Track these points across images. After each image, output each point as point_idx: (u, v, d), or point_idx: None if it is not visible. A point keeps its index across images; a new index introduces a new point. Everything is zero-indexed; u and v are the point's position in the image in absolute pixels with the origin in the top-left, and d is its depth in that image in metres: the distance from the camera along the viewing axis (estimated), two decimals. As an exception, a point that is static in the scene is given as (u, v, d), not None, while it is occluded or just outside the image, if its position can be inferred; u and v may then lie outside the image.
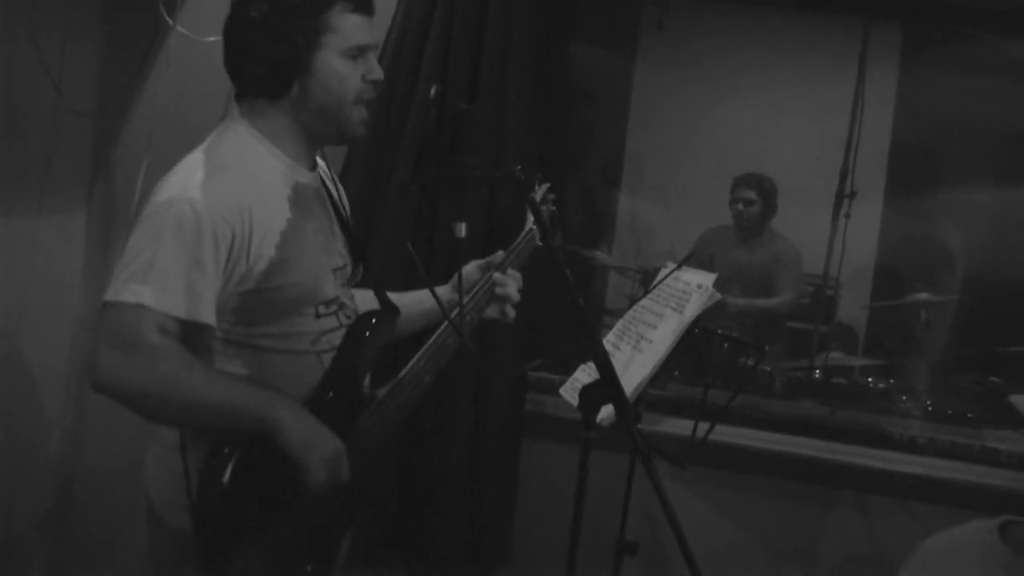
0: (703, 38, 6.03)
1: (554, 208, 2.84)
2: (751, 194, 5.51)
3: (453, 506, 3.43)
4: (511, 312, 2.65)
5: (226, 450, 2.13)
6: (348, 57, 2.26)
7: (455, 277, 2.57)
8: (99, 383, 2.05)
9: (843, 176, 5.03)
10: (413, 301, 2.62)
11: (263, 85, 2.26)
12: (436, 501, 3.43)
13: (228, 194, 2.14)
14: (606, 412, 2.21)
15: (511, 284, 2.63)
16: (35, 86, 3.37)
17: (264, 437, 2.10)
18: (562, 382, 2.94)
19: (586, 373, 2.80)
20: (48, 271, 3.54)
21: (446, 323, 2.46)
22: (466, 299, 2.54)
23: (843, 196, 5.00)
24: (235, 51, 2.26)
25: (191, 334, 2.13)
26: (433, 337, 2.47)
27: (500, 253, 2.67)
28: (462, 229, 2.28)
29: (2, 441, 3.42)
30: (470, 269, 2.65)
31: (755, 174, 5.55)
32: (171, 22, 3.36)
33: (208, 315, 2.12)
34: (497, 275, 2.61)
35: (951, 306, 5.52)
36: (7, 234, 3.34)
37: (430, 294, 2.64)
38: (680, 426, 3.39)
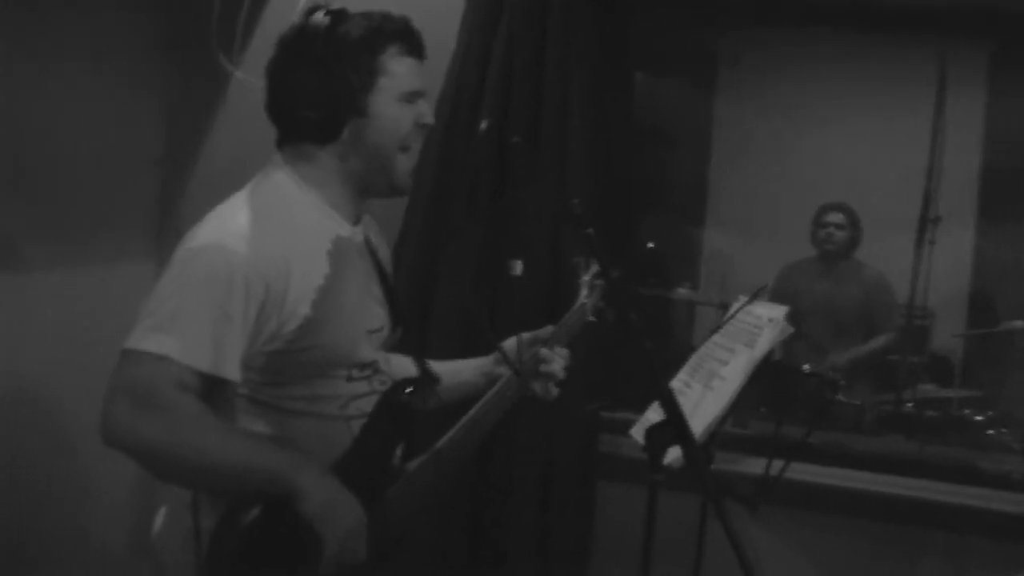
0: (781, 68, 5.96)
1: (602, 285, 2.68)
2: (840, 217, 5.41)
3: (527, 549, 3.35)
4: (553, 391, 2.52)
5: (240, 511, 2.02)
6: (403, 101, 2.19)
7: (496, 352, 2.49)
8: (110, 435, 1.95)
9: (926, 201, 4.91)
10: (450, 371, 2.49)
11: (314, 128, 2.17)
12: (509, 544, 3.35)
13: (265, 246, 2.05)
14: (675, 453, 2.12)
15: (557, 362, 2.50)
16: (101, 134, 3.39)
17: (282, 500, 1.99)
18: (634, 422, 2.86)
19: (657, 412, 2.71)
20: (116, 321, 3.52)
21: (485, 396, 2.37)
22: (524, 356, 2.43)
23: (927, 222, 4.87)
24: (285, 93, 2.17)
25: (213, 390, 2.03)
26: (473, 409, 2.35)
27: (549, 328, 2.53)
28: (518, 267, 2.22)
29: (71, 491, 3.42)
30: (511, 343, 2.51)
31: (843, 203, 5.46)
32: (231, 69, 3.36)
33: (232, 371, 2.02)
34: (543, 351, 2.48)
35: (1050, 333, 5.33)
36: (77, 283, 3.35)
37: (466, 366, 2.56)
38: (759, 465, 3.28)
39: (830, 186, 5.82)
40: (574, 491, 3.37)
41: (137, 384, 1.95)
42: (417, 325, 3.17)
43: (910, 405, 4.73)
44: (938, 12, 3.64)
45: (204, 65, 3.49)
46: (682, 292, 5.71)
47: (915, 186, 5.44)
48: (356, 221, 2.28)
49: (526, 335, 2.50)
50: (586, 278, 2.64)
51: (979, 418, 4.74)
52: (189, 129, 3.64)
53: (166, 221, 3.68)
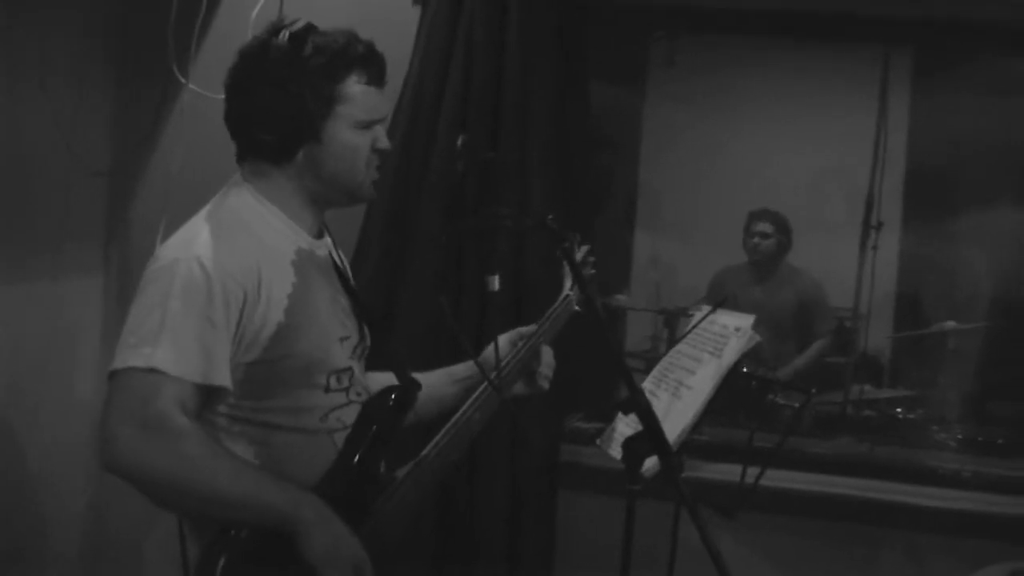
0: (714, 72, 5.97)
1: (594, 271, 2.76)
2: (767, 227, 5.45)
3: (492, 558, 3.34)
4: (544, 384, 2.56)
5: (226, 539, 2.01)
6: (359, 128, 2.19)
7: (470, 358, 2.49)
8: (116, 463, 1.93)
9: (868, 207, 4.98)
10: (430, 384, 2.47)
11: (268, 150, 2.17)
12: (474, 554, 3.34)
13: (237, 253, 2.05)
14: (649, 463, 2.14)
15: (548, 371, 2.56)
16: (47, 147, 3.33)
17: (278, 535, 1.98)
18: (597, 431, 2.86)
19: (624, 423, 2.72)
20: (65, 335, 3.49)
21: (471, 398, 2.38)
22: (503, 361, 2.43)
23: (869, 227, 4.94)
24: (242, 112, 2.18)
25: (204, 404, 2.03)
26: (458, 414, 2.36)
27: (532, 326, 2.57)
28: (495, 282, 2.22)
29: (26, 511, 3.36)
30: (499, 342, 2.51)
31: (770, 209, 5.51)
32: (183, 80, 3.31)
33: (224, 377, 2.02)
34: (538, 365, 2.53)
35: (979, 333, 5.44)
36: (23, 298, 3.29)
37: (440, 377, 2.56)
38: (720, 471, 3.31)
39: (763, 188, 5.87)
40: (537, 500, 3.37)
41: (136, 406, 1.93)
42: (379, 338, 3.17)
43: (842, 405, 4.81)
44: (864, 19, 3.69)
45: (153, 74, 3.44)
46: (621, 299, 5.71)
47: (846, 188, 5.53)
48: (318, 235, 2.29)
49: (511, 332, 2.54)
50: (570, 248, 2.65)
51: (911, 417, 4.83)
52: (138, 140, 3.58)
53: (114, 234, 3.63)
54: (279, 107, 2.12)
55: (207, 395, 2.02)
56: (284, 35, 2.13)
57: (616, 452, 2.50)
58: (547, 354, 2.58)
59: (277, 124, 2.13)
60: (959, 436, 4.58)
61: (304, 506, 2.00)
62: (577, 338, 2.72)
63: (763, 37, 4.64)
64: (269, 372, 2.10)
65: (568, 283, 2.66)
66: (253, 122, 2.16)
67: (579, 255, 2.70)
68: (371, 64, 2.21)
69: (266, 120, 2.14)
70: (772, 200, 5.59)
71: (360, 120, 2.19)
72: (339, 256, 2.41)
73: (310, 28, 2.16)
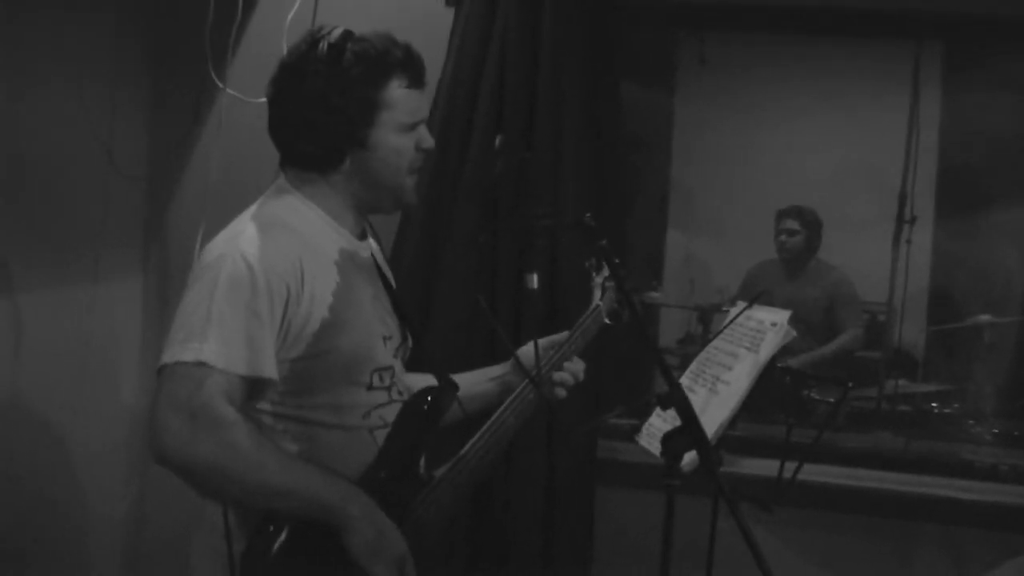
0: (745, 69, 5.96)
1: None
2: (793, 224, 5.46)
3: (529, 555, 3.35)
4: (561, 393, 2.55)
5: (271, 528, 2.03)
6: (403, 131, 2.21)
7: (511, 359, 2.52)
8: (166, 455, 1.94)
9: (901, 201, 4.97)
10: (465, 384, 2.48)
11: (315, 160, 2.20)
12: (512, 550, 3.36)
13: (281, 250, 2.08)
14: (688, 457, 2.15)
15: (569, 379, 2.54)
16: (85, 151, 3.38)
17: (319, 527, 2.01)
18: (633, 428, 2.87)
19: (661, 419, 2.74)
20: (105, 338, 3.52)
21: (509, 399, 2.39)
22: (542, 361, 2.44)
23: (903, 222, 4.94)
24: (284, 123, 2.20)
25: (250, 396, 2.05)
26: (496, 414, 2.38)
27: (565, 332, 2.57)
28: (534, 280, 2.24)
29: (68, 512, 3.39)
30: (529, 349, 2.50)
31: (798, 206, 5.50)
32: (220, 84, 3.34)
33: (271, 369, 2.04)
34: (560, 375, 2.52)
35: (1015, 327, 5.41)
36: (63, 302, 3.34)
37: (480, 376, 2.58)
38: (755, 466, 3.32)
39: (794, 184, 5.86)
40: (574, 497, 3.38)
41: (185, 398, 1.94)
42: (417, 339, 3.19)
43: (878, 400, 4.79)
44: (894, 14, 3.69)
45: (190, 78, 3.48)
46: (655, 296, 5.71)
47: (879, 183, 5.51)
48: (361, 236, 2.31)
49: (542, 340, 2.52)
50: (599, 281, 2.67)
51: (947, 411, 4.82)
52: (175, 144, 3.61)
53: (152, 238, 3.67)
54: (323, 120, 2.14)
55: (253, 387, 2.05)
56: (323, 46, 2.15)
57: (654, 447, 2.53)
58: (576, 365, 2.57)
59: (322, 136, 2.16)
60: (995, 430, 4.58)
61: (351, 500, 2.03)
62: (614, 335, 2.73)
63: (793, 34, 4.64)
64: (313, 368, 2.12)
65: (597, 294, 2.66)
66: (298, 134, 2.19)
67: (601, 276, 2.67)
68: (411, 66, 2.22)
69: (311, 133, 2.16)
70: (803, 196, 5.58)
71: (404, 123, 2.21)
72: (382, 258, 2.44)
73: (347, 35, 2.18)
